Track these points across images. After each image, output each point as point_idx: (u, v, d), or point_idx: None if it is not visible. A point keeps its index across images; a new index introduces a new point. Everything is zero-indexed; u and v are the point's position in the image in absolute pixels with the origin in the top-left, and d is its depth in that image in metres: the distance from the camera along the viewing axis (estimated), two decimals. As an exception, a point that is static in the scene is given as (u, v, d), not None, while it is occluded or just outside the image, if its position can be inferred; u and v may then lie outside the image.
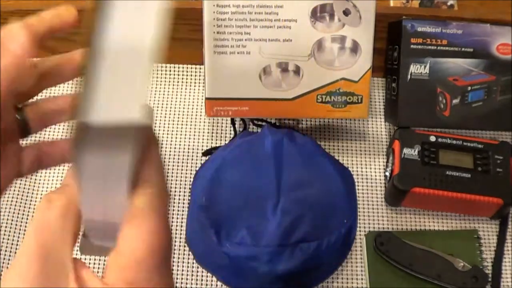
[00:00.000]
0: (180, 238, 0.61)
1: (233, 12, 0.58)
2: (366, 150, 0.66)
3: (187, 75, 0.70)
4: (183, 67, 0.70)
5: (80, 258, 0.27)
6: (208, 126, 0.68)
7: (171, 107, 0.68)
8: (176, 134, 0.67)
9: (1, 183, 0.31)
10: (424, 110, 0.63)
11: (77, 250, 0.28)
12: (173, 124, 0.67)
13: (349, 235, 0.56)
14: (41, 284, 0.24)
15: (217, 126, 0.68)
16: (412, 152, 0.59)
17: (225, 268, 0.54)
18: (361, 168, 0.65)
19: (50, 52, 0.34)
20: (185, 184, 0.64)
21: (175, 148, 0.66)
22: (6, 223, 0.61)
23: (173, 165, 0.65)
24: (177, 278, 0.60)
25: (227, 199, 0.54)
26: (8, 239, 0.60)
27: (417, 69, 0.63)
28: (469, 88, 0.63)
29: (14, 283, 0.24)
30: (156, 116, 0.68)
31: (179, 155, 0.66)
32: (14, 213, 0.61)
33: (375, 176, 0.65)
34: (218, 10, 0.58)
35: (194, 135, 0.67)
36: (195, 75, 0.70)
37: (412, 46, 0.63)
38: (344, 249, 0.57)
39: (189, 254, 0.60)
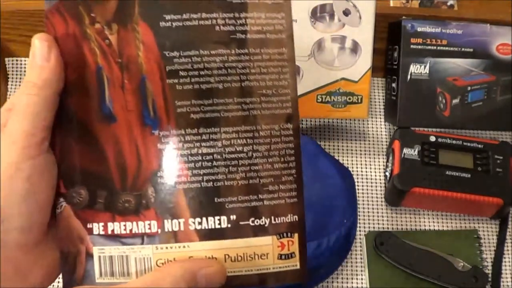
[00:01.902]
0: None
1: (233, 12, 0.58)
2: (366, 150, 0.66)
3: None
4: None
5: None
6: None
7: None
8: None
9: None
10: (424, 110, 0.62)
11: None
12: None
13: (349, 235, 0.56)
14: None
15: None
16: (412, 152, 0.59)
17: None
18: (361, 168, 0.65)
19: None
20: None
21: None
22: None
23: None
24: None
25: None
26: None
27: (417, 69, 0.63)
28: (469, 88, 0.63)
29: None
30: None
31: (179, 155, 0.66)
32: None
33: (375, 176, 0.65)
34: (218, 10, 0.58)
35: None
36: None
37: (412, 46, 0.63)
38: (344, 249, 0.57)
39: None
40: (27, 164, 0.28)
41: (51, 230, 0.31)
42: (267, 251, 0.31)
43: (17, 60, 0.68)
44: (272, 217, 0.32)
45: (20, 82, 0.68)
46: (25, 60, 0.68)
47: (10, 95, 0.67)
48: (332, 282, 0.59)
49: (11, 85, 0.68)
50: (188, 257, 0.31)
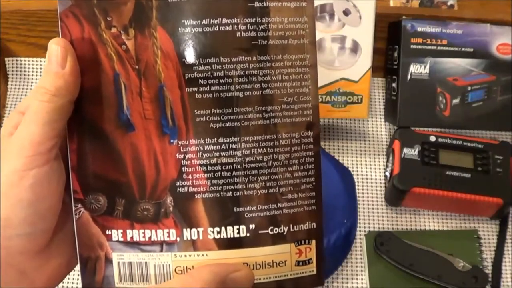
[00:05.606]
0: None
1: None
2: (366, 150, 0.66)
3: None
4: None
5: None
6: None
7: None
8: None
9: None
10: (424, 110, 0.62)
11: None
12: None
13: (349, 235, 0.56)
14: None
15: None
16: (412, 152, 0.59)
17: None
18: (361, 168, 0.65)
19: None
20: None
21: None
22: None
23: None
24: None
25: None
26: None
27: (417, 69, 0.63)
28: (469, 88, 0.63)
29: None
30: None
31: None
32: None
33: (375, 176, 0.65)
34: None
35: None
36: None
37: (412, 46, 0.63)
38: (344, 249, 0.57)
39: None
40: (32, 172, 0.28)
41: (58, 235, 0.31)
42: (285, 259, 0.31)
43: (17, 60, 0.68)
44: (291, 225, 0.31)
45: (20, 81, 0.68)
46: (25, 60, 0.68)
47: (10, 95, 0.67)
48: (332, 282, 0.59)
49: (11, 85, 0.68)
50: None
